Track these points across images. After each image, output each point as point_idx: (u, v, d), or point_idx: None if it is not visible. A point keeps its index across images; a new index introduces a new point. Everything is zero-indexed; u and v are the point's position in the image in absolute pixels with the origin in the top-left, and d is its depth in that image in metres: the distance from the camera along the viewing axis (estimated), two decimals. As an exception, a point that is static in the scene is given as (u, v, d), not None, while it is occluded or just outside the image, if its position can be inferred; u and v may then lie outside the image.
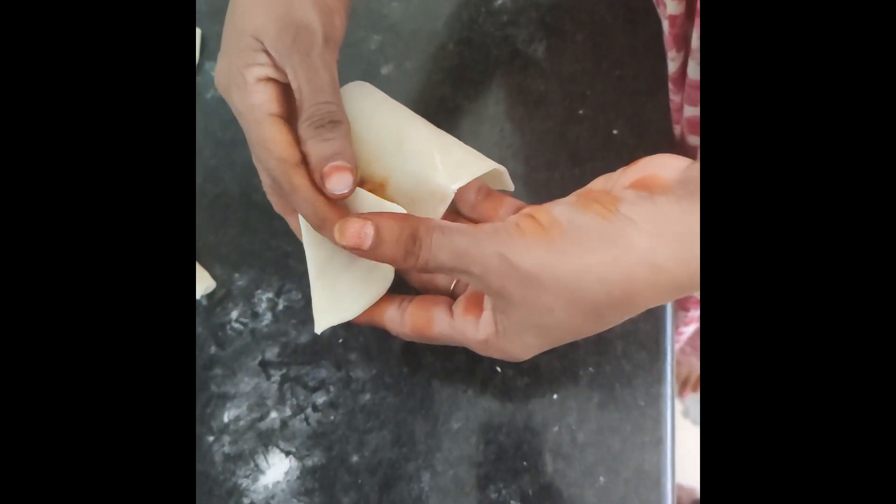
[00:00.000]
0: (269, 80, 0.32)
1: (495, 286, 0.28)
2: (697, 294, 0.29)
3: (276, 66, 0.32)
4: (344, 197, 0.31)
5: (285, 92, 0.33)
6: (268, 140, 0.32)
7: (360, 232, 0.29)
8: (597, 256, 0.27)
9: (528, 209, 0.30)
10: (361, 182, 0.33)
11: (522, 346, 0.31)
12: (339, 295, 0.34)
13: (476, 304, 0.32)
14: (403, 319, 0.34)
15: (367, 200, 0.32)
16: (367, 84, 0.36)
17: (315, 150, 0.31)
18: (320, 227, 0.32)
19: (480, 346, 0.32)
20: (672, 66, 0.43)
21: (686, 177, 0.29)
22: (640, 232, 0.27)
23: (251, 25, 0.31)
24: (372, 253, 0.29)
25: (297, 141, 0.32)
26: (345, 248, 0.29)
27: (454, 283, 0.35)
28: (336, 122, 0.31)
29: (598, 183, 0.33)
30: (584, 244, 0.27)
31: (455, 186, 0.32)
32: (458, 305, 0.33)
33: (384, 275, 0.33)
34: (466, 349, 0.40)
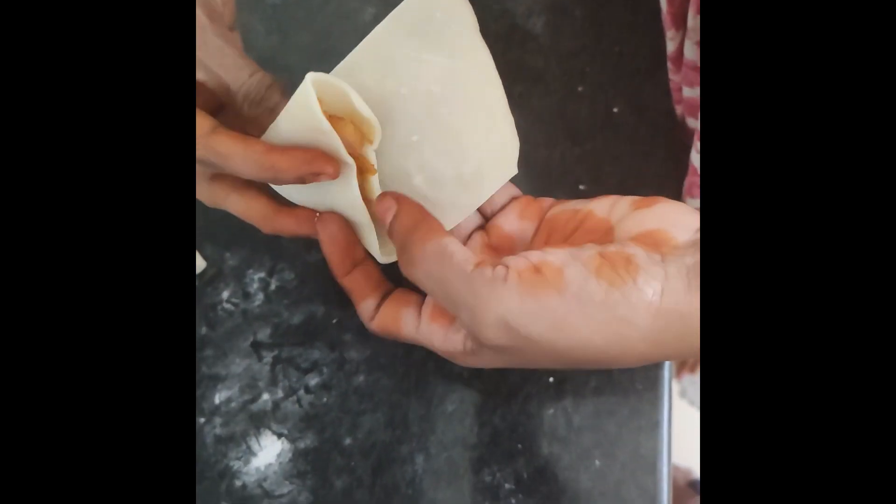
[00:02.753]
0: None
1: (484, 338, 0.28)
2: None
3: None
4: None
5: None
6: None
7: (387, 209, 0.30)
8: (598, 327, 0.26)
9: (538, 259, 0.28)
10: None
11: (487, 365, 0.31)
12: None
13: (443, 311, 0.32)
14: (375, 315, 0.34)
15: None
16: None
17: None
18: (275, 177, 0.29)
19: (445, 355, 0.32)
20: (670, 46, 0.42)
21: (697, 240, 0.28)
22: (649, 309, 0.26)
23: None
24: (385, 229, 0.31)
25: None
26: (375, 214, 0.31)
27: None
28: (269, 85, 0.30)
29: (603, 207, 0.32)
30: (588, 313, 0.26)
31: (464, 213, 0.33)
32: (426, 308, 0.33)
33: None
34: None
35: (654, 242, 0.28)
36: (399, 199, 0.30)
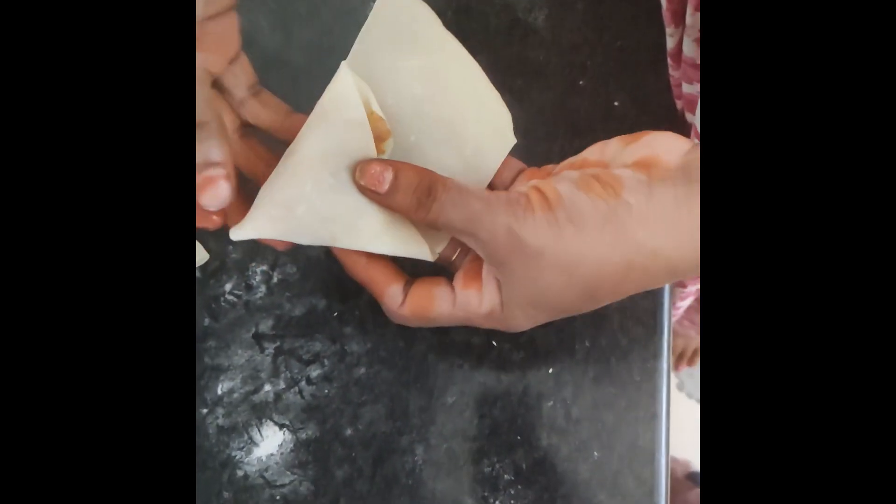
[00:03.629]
0: None
1: (500, 257, 0.29)
2: (692, 278, 0.29)
3: None
4: (223, 208, 0.29)
5: None
6: None
7: (380, 175, 0.29)
8: (595, 240, 0.28)
9: (535, 182, 0.30)
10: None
11: (524, 318, 0.31)
12: (282, 209, 0.30)
13: (474, 276, 0.32)
14: (405, 302, 0.33)
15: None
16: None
17: None
18: None
19: (484, 318, 0.32)
20: (670, 43, 0.43)
21: (686, 162, 0.29)
22: (639, 220, 0.28)
23: None
24: (386, 198, 0.30)
25: None
26: (362, 188, 0.30)
27: (456, 253, 0.35)
28: (199, 123, 0.28)
29: (595, 152, 0.33)
30: (583, 226, 0.28)
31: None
32: (458, 281, 0.33)
33: (346, 225, 0.31)
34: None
35: (645, 167, 0.29)
36: (391, 162, 0.30)
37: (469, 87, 0.34)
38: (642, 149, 0.30)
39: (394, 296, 0.33)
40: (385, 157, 0.31)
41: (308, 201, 0.30)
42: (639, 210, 0.28)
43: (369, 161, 0.30)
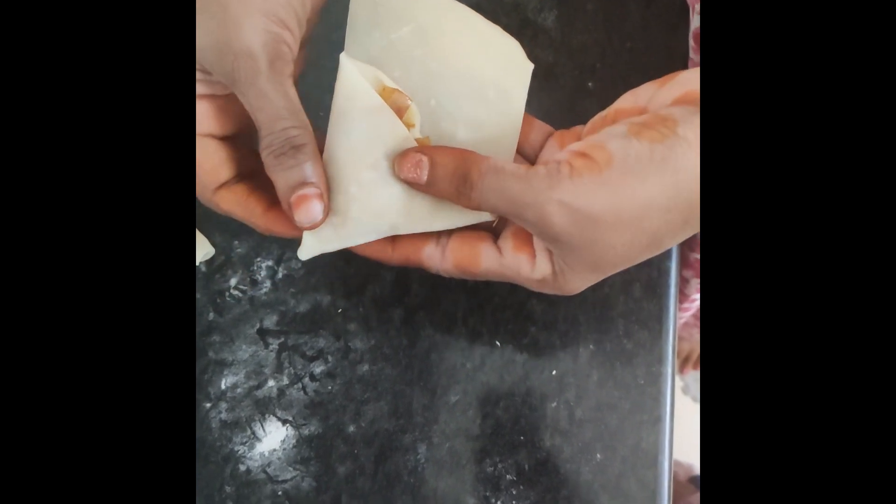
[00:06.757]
0: (206, 96, 0.31)
1: (552, 233, 0.28)
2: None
3: (215, 84, 0.30)
4: (316, 226, 0.30)
5: (229, 105, 0.31)
6: (197, 163, 0.31)
7: (417, 165, 0.30)
8: (656, 185, 0.27)
9: (574, 147, 0.29)
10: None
11: (580, 282, 0.31)
12: (337, 216, 0.31)
13: (525, 241, 0.32)
14: (445, 255, 0.33)
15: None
16: None
17: (279, 180, 0.29)
18: (267, 231, 0.33)
19: (536, 283, 0.31)
20: (697, 21, 0.42)
21: None
22: (697, 152, 0.26)
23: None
24: (429, 188, 0.30)
25: (232, 158, 0.32)
26: (403, 180, 0.30)
27: (496, 220, 0.34)
28: (298, 146, 0.29)
29: (627, 100, 0.32)
30: (644, 176, 0.27)
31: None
32: (506, 242, 0.32)
33: (385, 222, 0.32)
34: (466, 321, 0.40)
35: (690, 102, 0.28)
36: (426, 150, 0.30)
37: (467, 31, 0.33)
38: (679, 87, 0.29)
39: (431, 255, 0.33)
40: (415, 130, 0.31)
41: (357, 202, 0.31)
42: (697, 143, 0.26)
43: (403, 154, 0.30)
